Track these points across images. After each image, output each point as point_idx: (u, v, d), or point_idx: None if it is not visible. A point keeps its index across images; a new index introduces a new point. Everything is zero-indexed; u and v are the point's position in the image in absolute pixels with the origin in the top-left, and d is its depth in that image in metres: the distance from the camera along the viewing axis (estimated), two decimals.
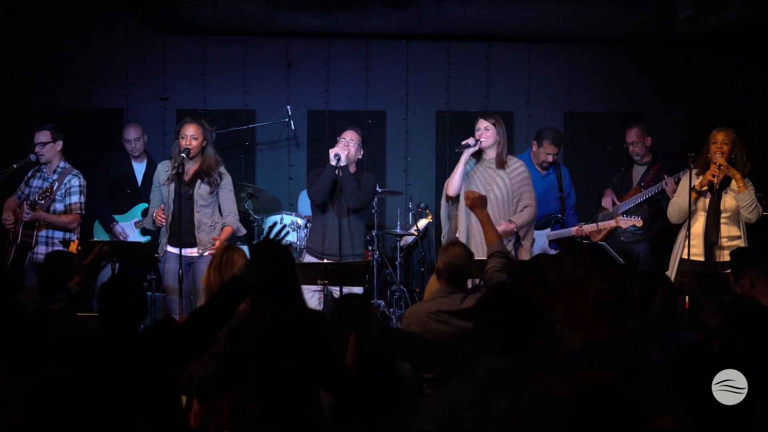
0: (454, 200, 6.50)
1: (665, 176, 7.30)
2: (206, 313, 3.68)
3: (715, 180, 6.55)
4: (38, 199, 6.94)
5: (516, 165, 6.52)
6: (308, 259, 6.77)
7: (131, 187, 7.88)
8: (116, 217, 7.73)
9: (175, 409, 3.71)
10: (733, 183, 6.61)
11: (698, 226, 6.64)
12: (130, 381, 3.52)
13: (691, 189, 6.60)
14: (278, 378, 3.62)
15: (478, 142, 6.41)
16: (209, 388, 3.81)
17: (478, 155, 6.50)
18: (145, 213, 7.70)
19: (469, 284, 4.85)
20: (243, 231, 6.82)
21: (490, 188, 6.37)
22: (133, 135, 7.92)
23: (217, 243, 6.52)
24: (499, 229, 6.12)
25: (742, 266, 4.58)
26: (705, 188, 6.61)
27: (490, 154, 6.47)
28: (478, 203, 4.89)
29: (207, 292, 4.39)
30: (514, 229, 6.33)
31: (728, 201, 6.62)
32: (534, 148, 7.54)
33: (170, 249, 6.62)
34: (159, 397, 3.56)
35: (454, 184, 6.42)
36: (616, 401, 2.47)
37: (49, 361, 3.55)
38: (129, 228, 7.70)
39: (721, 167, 6.54)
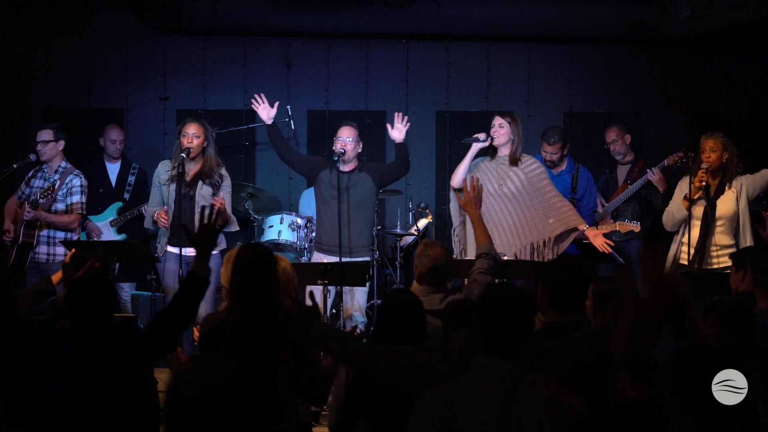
0: (460, 191, 6.47)
1: (648, 168, 7.29)
2: (168, 313, 3.69)
3: (701, 184, 6.46)
4: (39, 197, 6.94)
5: (530, 162, 6.53)
6: (317, 255, 6.77)
7: (105, 187, 7.88)
8: (91, 217, 7.71)
9: (145, 408, 3.67)
10: (731, 188, 6.53)
11: (694, 232, 6.54)
12: (97, 378, 3.50)
13: (684, 197, 6.53)
14: (249, 381, 3.61)
15: (489, 138, 6.42)
16: None
17: (492, 153, 6.51)
18: (120, 212, 7.71)
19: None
20: (236, 227, 6.82)
21: (504, 183, 6.38)
22: (118, 137, 7.99)
23: (222, 200, 6.52)
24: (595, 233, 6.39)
25: (745, 261, 4.59)
26: (697, 196, 6.52)
27: (504, 152, 6.49)
28: (471, 202, 4.87)
29: (226, 294, 4.36)
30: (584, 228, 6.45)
31: (722, 208, 6.51)
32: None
33: (170, 249, 6.62)
34: (126, 395, 3.54)
35: (458, 175, 6.43)
36: (653, 420, 2.46)
37: (20, 360, 3.55)
38: (104, 227, 7.70)
39: (707, 172, 6.47)
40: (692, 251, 6.47)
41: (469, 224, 6.32)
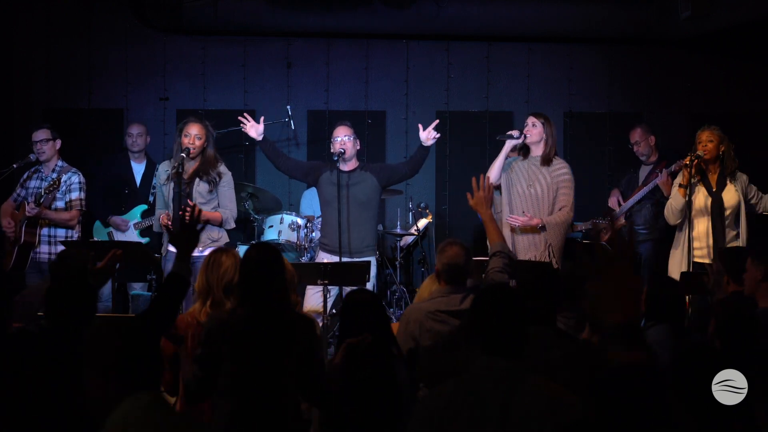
0: (495, 189, 6.40)
1: (660, 172, 7.27)
2: (149, 314, 3.69)
3: (687, 162, 6.41)
4: (44, 192, 6.95)
5: (559, 165, 6.44)
6: (322, 255, 6.76)
7: (129, 188, 7.89)
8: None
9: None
10: (732, 182, 6.55)
11: (701, 227, 6.54)
12: (75, 378, 3.49)
13: (680, 185, 6.53)
14: (251, 379, 3.63)
15: (523, 136, 6.41)
16: (193, 391, 3.82)
17: (525, 152, 6.49)
18: (144, 215, 7.71)
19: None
20: (232, 225, 6.78)
21: (532, 184, 6.36)
22: (135, 130, 8.00)
23: (197, 209, 6.48)
24: (523, 220, 6.22)
25: (743, 262, 4.58)
26: (691, 178, 6.49)
27: (536, 152, 6.45)
28: (482, 202, 4.86)
29: (197, 296, 4.38)
30: (537, 224, 6.28)
31: (728, 200, 6.52)
32: None
33: (172, 249, 6.60)
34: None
35: (494, 172, 6.38)
36: (648, 379, 2.46)
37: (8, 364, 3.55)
38: (128, 229, 7.71)
39: (700, 156, 6.44)
40: (700, 245, 6.45)
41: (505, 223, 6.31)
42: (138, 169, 7.99)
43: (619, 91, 9.15)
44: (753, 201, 6.64)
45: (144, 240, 7.65)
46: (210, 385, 3.74)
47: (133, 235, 7.68)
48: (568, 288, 4.08)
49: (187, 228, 3.80)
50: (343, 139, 6.71)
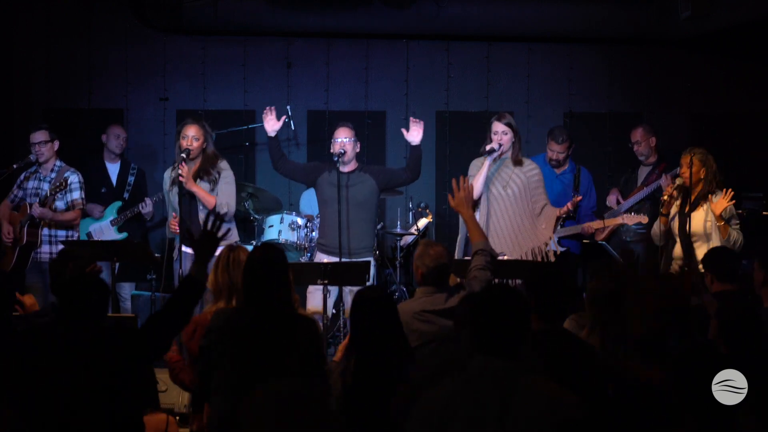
0: (475, 204, 6.44)
1: (663, 174, 7.27)
2: (164, 315, 3.70)
3: (664, 198, 6.48)
4: (50, 193, 6.96)
5: (531, 165, 6.59)
6: (319, 256, 6.76)
7: (107, 187, 7.90)
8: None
9: (133, 410, 3.67)
10: (709, 206, 6.48)
11: (677, 249, 6.56)
12: (89, 377, 3.50)
13: (660, 214, 6.56)
14: (253, 379, 3.63)
15: (501, 147, 6.45)
16: (197, 397, 3.82)
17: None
18: (120, 211, 7.72)
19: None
20: (226, 209, 6.73)
21: (508, 185, 6.43)
22: (123, 133, 8.07)
23: (185, 171, 6.48)
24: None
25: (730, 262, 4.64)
26: (673, 211, 6.51)
27: (507, 153, 6.51)
28: (463, 203, 4.89)
29: (216, 295, 4.37)
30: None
31: (694, 225, 6.45)
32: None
33: (185, 249, 6.61)
34: (115, 396, 3.54)
35: (476, 189, 6.39)
36: (662, 400, 2.47)
37: (14, 362, 3.55)
38: (106, 227, 7.70)
39: (678, 188, 6.47)
40: (675, 265, 6.47)
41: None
42: (113, 168, 8.02)
43: (619, 91, 9.15)
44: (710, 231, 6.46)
45: (122, 236, 7.66)
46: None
47: (111, 232, 7.67)
48: (566, 288, 4.09)
49: (209, 235, 3.80)
50: (343, 140, 6.71)
